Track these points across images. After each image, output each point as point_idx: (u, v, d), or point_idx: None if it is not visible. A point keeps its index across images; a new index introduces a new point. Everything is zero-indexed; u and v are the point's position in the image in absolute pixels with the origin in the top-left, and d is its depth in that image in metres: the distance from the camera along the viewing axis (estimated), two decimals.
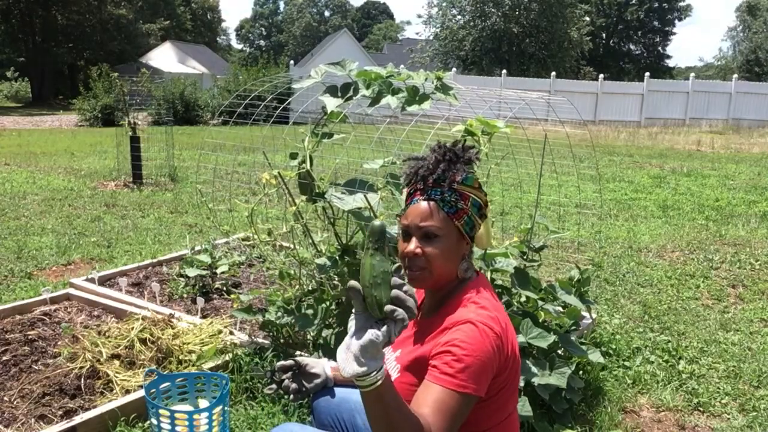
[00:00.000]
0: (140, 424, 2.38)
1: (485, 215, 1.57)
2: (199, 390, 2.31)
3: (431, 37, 34.70)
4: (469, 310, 1.42)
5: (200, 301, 3.39)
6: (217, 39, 57.59)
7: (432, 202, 1.47)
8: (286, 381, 1.78)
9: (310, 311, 2.67)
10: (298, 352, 2.77)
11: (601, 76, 23.22)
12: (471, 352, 1.32)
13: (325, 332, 2.68)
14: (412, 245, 1.46)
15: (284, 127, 3.11)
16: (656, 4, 42.95)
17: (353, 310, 1.24)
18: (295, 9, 67.68)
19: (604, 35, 44.44)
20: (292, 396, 1.77)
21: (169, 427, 2.04)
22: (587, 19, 35.33)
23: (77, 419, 2.28)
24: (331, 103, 2.45)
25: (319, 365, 1.82)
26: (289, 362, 1.80)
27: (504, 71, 23.09)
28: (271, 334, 2.86)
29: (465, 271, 1.52)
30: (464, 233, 1.50)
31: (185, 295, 3.68)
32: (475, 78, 23.12)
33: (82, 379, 2.57)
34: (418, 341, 1.50)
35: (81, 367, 2.63)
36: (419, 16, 75.75)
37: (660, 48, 45.94)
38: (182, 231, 5.49)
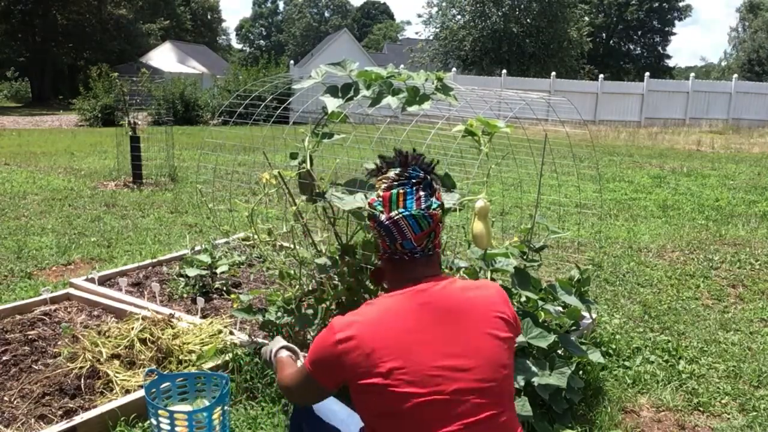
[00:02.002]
0: (140, 424, 2.38)
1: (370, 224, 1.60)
2: (199, 390, 2.31)
3: (431, 37, 34.69)
4: (349, 312, 1.54)
5: (200, 301, 3.39)
6: (217, 39, 57.56)
7: None
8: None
9: (310, 311, 2.67)
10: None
11: (601, 76, 23.23)
12: (315, 340, 1.52)
13: None
14: None
15: (284, 127, 3.11)
16: (656, 4, 42.91)
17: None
18: (295, 9, 67.68)
19: (604, 35, 44.42)
20: None
21: (168, 427, 2.04)
22: (587, 19, 35.32)
23: (77, 419, 2.28)
24: (332, 104, 2.45)
25: None
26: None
27: (504, 71, 23.09)
28: (271, 334, 2.86)
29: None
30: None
31: (185, 295, 3.68)
32: (475, 78, 23.12)
33: (82, 379, 2.57)
34: None
35: (81, 367, 2.63)
36: (419, 16, 75.76)
37: (660, 48, 45.92)
38: (182, 231, 5.49)
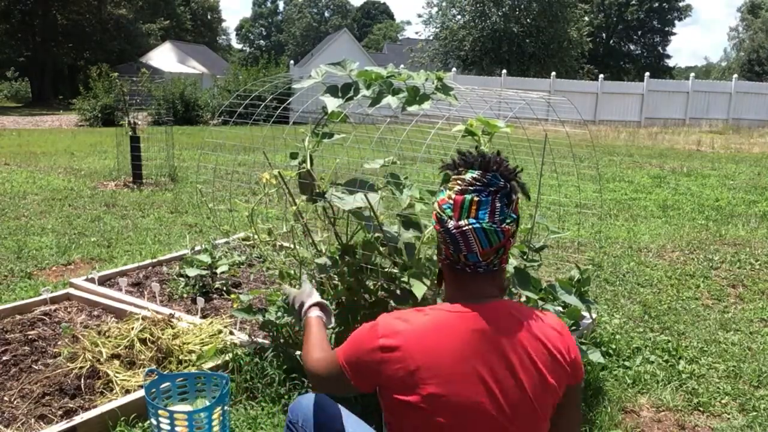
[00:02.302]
0: (140, 424, 2.38)
1: (434, 224, 1.45)
2: (199, 390, 2.31)
3: (431, 37, 34.69)
4: (398, 312, 1.46)
5: (200, 301, 3.39)
6: (217, 39, 57.57)
7: None
8: None
9: None
10: (298, 352, 2.77)
11: (601, 76, 23.23)
12: (355, 334, 1.44)
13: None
14: None
15: (284, 127, 3.11)
16: (656, 4, 42.92)
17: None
18: (295, 9, 67.68)
19: (604, 35, 44.43)
20: None
21: (168, 427, 2.04)
22: (587, 19, 35.31)
23: (77, 419, 2.28)
24: (332, 103, 2.45)
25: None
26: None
27: (504, 71, 23.09)
28: (271, 334, 2.86)
29: (438, 285, 1.59)
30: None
31: (185, 295, 3.68)
32: (475, 78, 23.12)
33: (82, 379, 2.57)
34: None
35: (81, 367, 2.63)
36: (419, 16, 75.70)
37: (660, 48, 45.93)
38: (182, 231, 5.49)
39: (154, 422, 2.07)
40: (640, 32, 45.08)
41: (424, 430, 1.34)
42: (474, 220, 1.35)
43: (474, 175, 1.38)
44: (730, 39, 52.96)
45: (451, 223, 1.37)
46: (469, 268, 1.40)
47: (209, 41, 49.78)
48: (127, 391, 2.53)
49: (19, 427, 2.32)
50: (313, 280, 1.84)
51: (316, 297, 1.80)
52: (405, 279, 2.47)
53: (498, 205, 1.36)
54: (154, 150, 8.55)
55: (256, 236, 2.87)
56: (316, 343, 1.61)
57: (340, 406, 1.72)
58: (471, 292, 1.40)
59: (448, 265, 1.43)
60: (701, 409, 2.75)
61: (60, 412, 2.40)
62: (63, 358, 2.74)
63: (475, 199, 1.36)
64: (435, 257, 1.56)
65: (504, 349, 1.34)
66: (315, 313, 1.73)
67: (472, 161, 1.41)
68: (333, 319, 1.80)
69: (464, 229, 1.36)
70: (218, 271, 3.84)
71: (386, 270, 2.56)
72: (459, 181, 1.39)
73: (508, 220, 1.38)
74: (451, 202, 1.38)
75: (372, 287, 2.61)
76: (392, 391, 1.33)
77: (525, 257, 2.79)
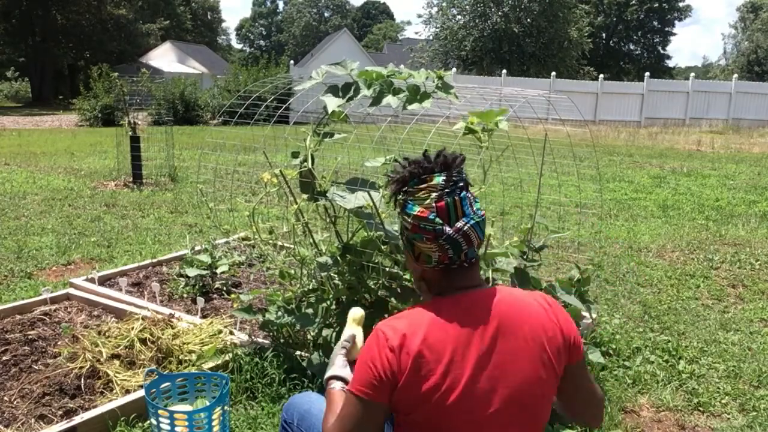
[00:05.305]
0: (140, 424, 2.38)
1: (416, 237, 1.41)
2: (199, 390, 2.31)
3: (431, 37, 34.70)
4: (389, 318, 1.43)
5: (200, 301, 3.39)
6: (217, 39, 57.58)
7: None
8: None
9: (310, 310, 2.67)
10: (298, 352, 2.77)
11: (601, 76, 23.23)
12: (361, 355, 1.38)
13: (326, 332, 2.68)
14: None
15: (285, 127, 3.11)
16: (656, 4, 42.89)
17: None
18: (295, 9, 67.69)
19: (604, 35, 44.43)
20: None
21: (168, 427, 2.04)
22: (587, 19, 35.32)
23: (77, 419, 2.28)
24: (333, 103, 2.45)
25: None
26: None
27: (504, 71, 23.10)
28: (271, 334, 2.86)
29: (418, 288, 1.52)
30: (408, 252, 1.48)
31: (185, 295, 3.68)
32: (475, 78, 23.13)
33: (82, 379, 2.57)
34: None
35: (81, 367, 2.63)
36: (419, 16, 75.78)
37: (660, 48, 45.93)
38: (182, 231, 5.49)
39: (154, 422, 2.07)
40: (640, 32, 45.06)
41: (436, 417, 1.34)
42: (466, 218, 1.38)
43: (443, 178, 1.39)
44: (726, 38, 53.01)
45: (448, 229, 1.37)
46: (466, 263, 1.42)
47: (209, 41, 49.80)
48: (127, 391, 2.53)
49: (19, 427, 2.32)
50: (343, 350, 1.66)
51: (336, 369, 1.63)
52: (406, 277, 2.48)
53: (470, 196, 1.41)
54: (154, 150, 8.55)
55: (256, 236, 2.87)
56: (335, 410, 1.50)
57: None
58: (463, 284, 1.43)
59: (442, 269, 1.42)
60: (701, 409, 2.75)
61: (60, 412, 2.40)
62: (63, 358, 2.74)
63: (456, 198, 1.38)
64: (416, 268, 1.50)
65: (503, 331, 1.37)
66: (336, 384, 1.58)
67: (433, 166, 1.41)
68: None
69: (464, 229, 1.37)
70: (218, 271, 3.84)
71: (387, 269, 2.57)
72: (432, 189, 1.39)
73: (478, 205, 1.43)
74: (435, 211, 1.38)
75: (373, 286, 2.61)
76: (411, 386, 1.33)
77: (525, 257, 2.79)
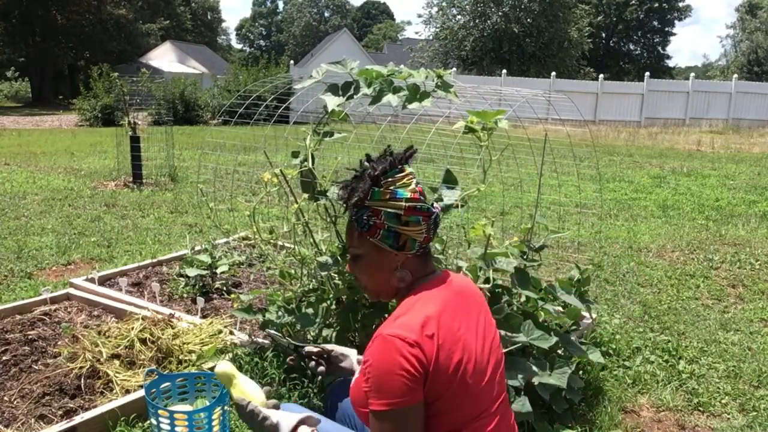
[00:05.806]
0: (140, 424, 2.38)
1: (411, 221, 1.46)
2: (199, 390, 2.31)
3: (431, 37, 34.70)
4: (385, 324, 1.42)
5: (200, 301, 3.39)
6: (217, 39, 57.59)
7: (351, 225, 1.53)
8: (313, 362, 1.79)
9: (310, 310, 2.67)
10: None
11: (601, 76, 23.23)
12: (376, 369, 1.35)
13: (326, 331, 2.68)
14: (347, 267, 1.61)
15: (285, 126, 3.11)
16: (656, 4, 42.91)
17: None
18: (295, 9, 67.68)
19: (604, 35, 44.43)
20: (318, 373, 1.79)
21: (168, 427, 2.04)
22: (587, 20, 35.32)
23: (77, 419, 2.28)
24: (332, 102, 2.45)
25: (348, 359, 1.78)
26: (317, 349, 1.78)
27: (504, 71, 23.09)
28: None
29: (399, 281, 1.51)
30: (386, 246, 1.48)
31: (185, 295, 3.68)
32: (475, 78, 23.12)
33: (82, 379, 2.57)
34: None
35: (81, 367, 2.62)
36: (419, 16, 75.77)
37: (660, 48, 45.93)
38: (182, 231, 5.49)
39: (154, 422, 2.07)
40: (639, 32, 45.07)
41: (460, 395, 1.40)
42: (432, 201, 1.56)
43: (409, 168, 1.54)
44: (724, 39, 53.01)
45: (435, 208, 1.52)
46: (427, 245, 1.53)
47: (209, 41, 49.81)
48: (127, 391, 2.53)
49: (19, 427, 2.32)
50: (255, 408, 1.50)
51: (296, 417, 1.49)
52: None
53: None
54: (154, 150, 8.55)
55: (257, 235, 2.87)
56: None
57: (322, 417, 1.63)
58: (430, 268, 1.54)
59: (419, 255, 1.52)
60: (701, 409, 2.75)
61: (60, 412, 2.40)
62: (63, 358, 2.74)
63: (419, 185, 1.53)
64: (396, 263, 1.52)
65: (473, 302, 1.52)
66: (312, 423, 1.49)
67: (400, 158, 1.53)
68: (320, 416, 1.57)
69: (438, 209, 1.54)
70: (218, 271, 3.84)
71: None
72: (411, 176, 1.52)
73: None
74: (419, 193, 1.50)
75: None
76: (440, 371, 1.37)
77: (525, 257, 2.79)
